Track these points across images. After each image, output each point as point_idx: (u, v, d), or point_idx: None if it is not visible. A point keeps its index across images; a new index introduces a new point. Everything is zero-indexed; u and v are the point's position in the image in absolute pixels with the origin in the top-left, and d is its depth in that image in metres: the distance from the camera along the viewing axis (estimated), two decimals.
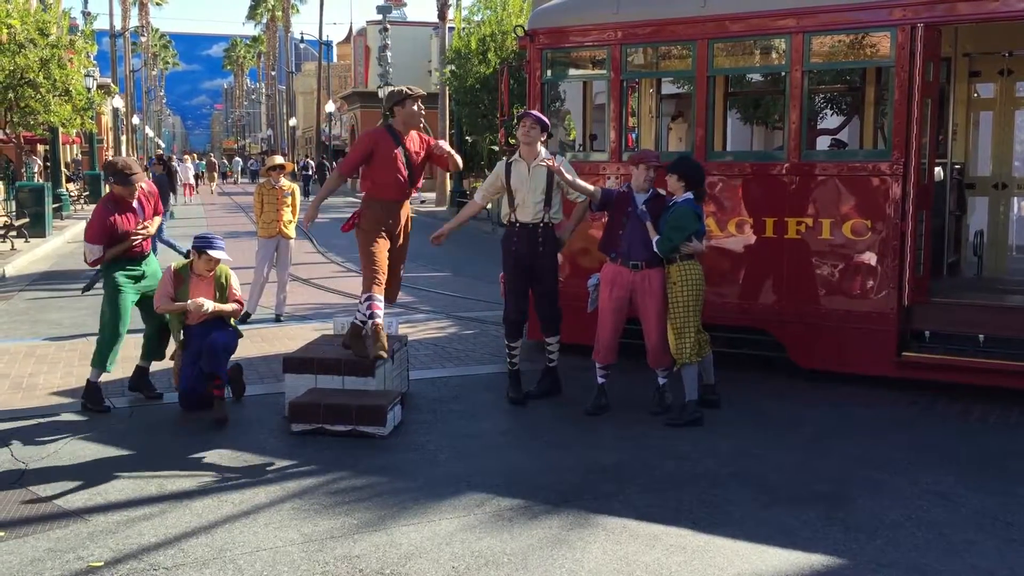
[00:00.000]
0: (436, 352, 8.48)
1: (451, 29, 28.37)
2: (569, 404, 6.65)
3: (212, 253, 6.39)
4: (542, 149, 6.61)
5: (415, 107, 6.46)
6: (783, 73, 7.30)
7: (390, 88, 6.01)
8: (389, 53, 34.93)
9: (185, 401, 6.44)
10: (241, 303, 6.71)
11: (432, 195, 33.22)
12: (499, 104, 9.48)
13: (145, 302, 6.61)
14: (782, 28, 7.17)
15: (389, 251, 6.52)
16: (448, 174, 29.23)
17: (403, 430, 6.02)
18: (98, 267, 6.61)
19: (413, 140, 6.53)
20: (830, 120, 14.71)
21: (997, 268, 8.71)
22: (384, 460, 5.45)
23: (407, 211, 6.76)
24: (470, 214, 7.42)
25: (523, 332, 6.90)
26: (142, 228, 6.64)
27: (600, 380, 6.46)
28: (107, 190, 7.16)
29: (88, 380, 6.47)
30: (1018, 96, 8.82)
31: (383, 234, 6.48)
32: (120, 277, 6.46)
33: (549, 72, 8.39)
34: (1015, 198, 8.83)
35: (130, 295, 6.49)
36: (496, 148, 24.00)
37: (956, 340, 6.82)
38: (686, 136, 10.60)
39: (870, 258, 6.87)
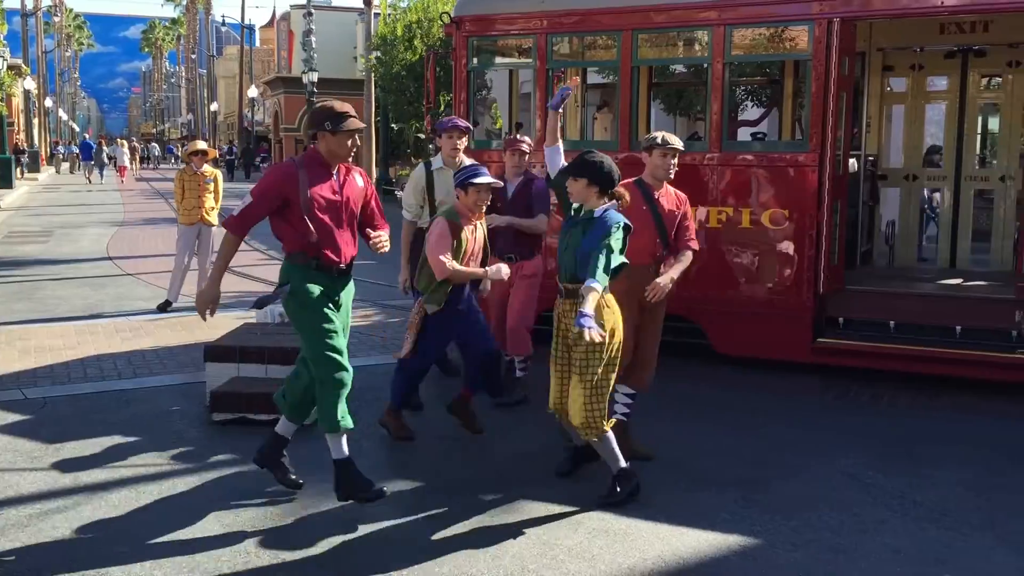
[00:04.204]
0: (360, 340, 8.42)
1: (377, 15, 28.04)
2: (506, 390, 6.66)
3: (480, 181, 5.16)
4: (465, 158, 6.22)
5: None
6: (705, 65, 7.43)
7: (316, 102, 4.76)
8: (313, 38, 34.34)
9: (416, 377, 5.61)
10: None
11: None
12: (425, 92, 9.43)
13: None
14: (704, 20, 7.29)
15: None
16: (374, 160, 29.01)
17: None
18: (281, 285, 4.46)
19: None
20: (751, 112, 14.99)
21: (907, 257, 9.01)
22: (307, 449, 5.39)
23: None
24: (410, 239, 6.42)
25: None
26: (377, 237, 4.59)
27: (518, 373, 6.44)
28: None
29: (334, 460, 4.53)
30: (928, 91, 9.13)
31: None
32: (321, 296, 4.39)
33: (475, 60, 8.38)
34: (925, 189, 9.14)
35: (337, 322, 4.44)
36: (422, 136, 23.86)
37: (869, 327, 7.04)
38: (611, 126, 10.70)
39: (788, 247, 7.04)
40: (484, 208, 5.35)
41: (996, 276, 8.00)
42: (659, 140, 5.16)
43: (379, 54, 25.10)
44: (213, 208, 9.91)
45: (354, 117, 4.39)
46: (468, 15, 8.18)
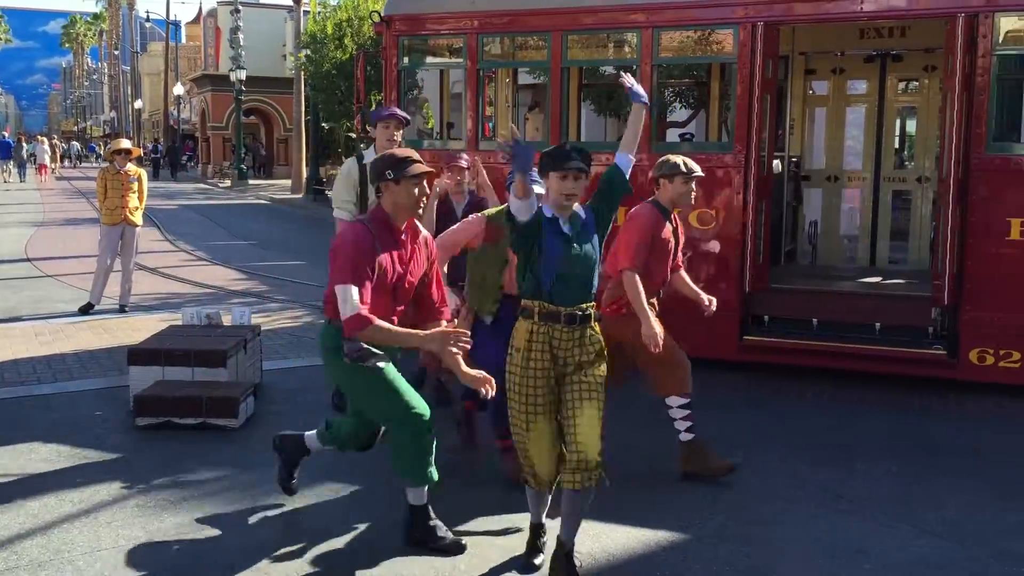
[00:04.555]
0: (291, 342, 8.32)
1: (306, 13, 27.74)
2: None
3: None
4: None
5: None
6: (634, 67, 7.50)
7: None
8: (241, 36, 33.83)
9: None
10: None
11: (287, 182, 32.46)
12: (355, 91, 9.35)
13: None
14: (632, 23, 7.37)
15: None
16: (304, 160, 28.64)
17: (256, 422, 5.88)
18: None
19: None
20: (680, 113, 15.22)
21: (830, 256, 9.25)
22: (236, 453, 5.31)
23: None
24: None
25: None
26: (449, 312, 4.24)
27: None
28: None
29: (410, 505, 4.11)
30: (849, 94, 9.38)
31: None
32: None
33: (406, 59, 8.35)
34: (845, 190, 9.39)
35: (395, 369, 4.05)
36: (353, 135, 23.65)
37: (793, 324, 7.20)
38: (542, 126, 10.76)
39: (715, 246, 7.16)
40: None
41: (914, 275, 8.26)
42: (683, 167, 4.82)
43: (309, 52, 24.83)
44: (137, 208, 9.69)
45: (419, 162, 3.87)
46: (398, 14, 8.14)
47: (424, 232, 4.04)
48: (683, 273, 5.12)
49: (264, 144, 46.15)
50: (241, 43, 33.65)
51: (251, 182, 35.80)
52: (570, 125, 8.58)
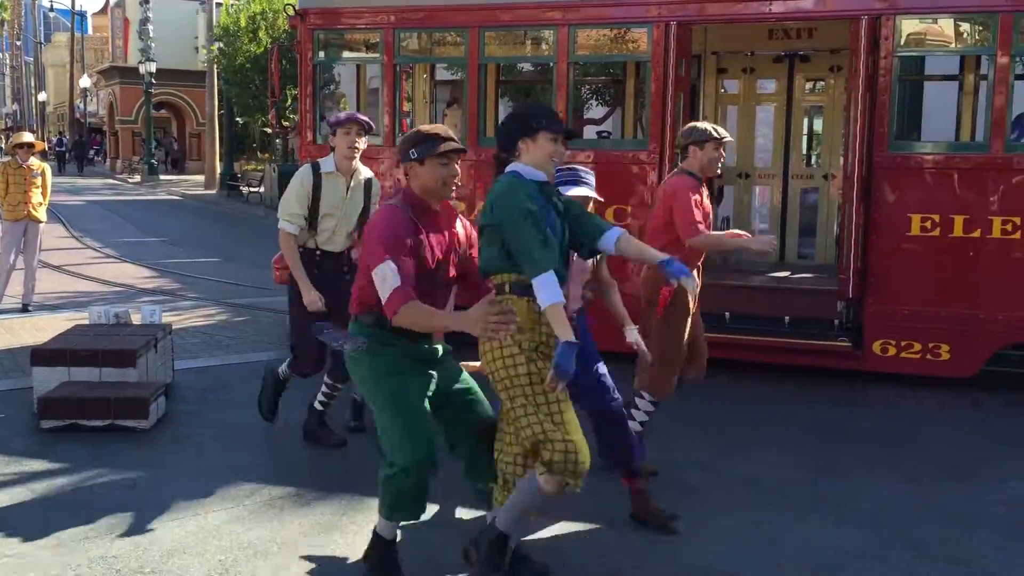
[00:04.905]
0: (204, 341, 8.15)
1: (219, 5, 27.13)
2: (352, 387, 6.58)
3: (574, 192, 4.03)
4: (361, 166, 5.22)
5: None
6: (551, 64, 7.56)
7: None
8: (151, 27, 32.94)
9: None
10: None
11: (201, 178, 31.74)
12: (269, 85, 9.19)
13: (452, 409, 3.65)
14: (549, 20, 7.42)
15: None
16: (217, 155, 28.05)
17: (168, 423, 5.75)
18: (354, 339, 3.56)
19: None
20: (596, 111, 15.36)
21: (742, 251, 9.45)
22: (146, 454, 5.18)
23: None
24: (293, 254, 5.13)
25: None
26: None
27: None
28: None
29: (375, 533, 3.72)
30: (759, 93, 9.60)
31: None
32: (398, 360, 3.51)
33: (322, 54, 8.24)
34: (756, 187, 9.62)
35: (419, 391, 3.52)
36: (268, 130, 23.26)
37: (705, 318, 7.32)
38: (460, 123, 10.76)
39: None
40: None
41: (821, 269, 8.51)
42: (714, 133, 4.68)
43: (222, 45, 24.32)
44: (41, 204, 9.36)
45: (449, 139, 3.47)
46: (313, 7, 8.03)
47: (458, 212, 3.71)
48: None
49: (176, 139, 45.02)
50: (151, 35, 32.76)
51: (162, 177, 34.90)
52: (488, 122, 8.60)
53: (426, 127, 3.53)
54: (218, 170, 27.86)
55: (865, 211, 6.67)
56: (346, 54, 9.11)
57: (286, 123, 12.76)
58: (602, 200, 4.11)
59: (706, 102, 9.30)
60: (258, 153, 29.15)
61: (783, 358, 7.04)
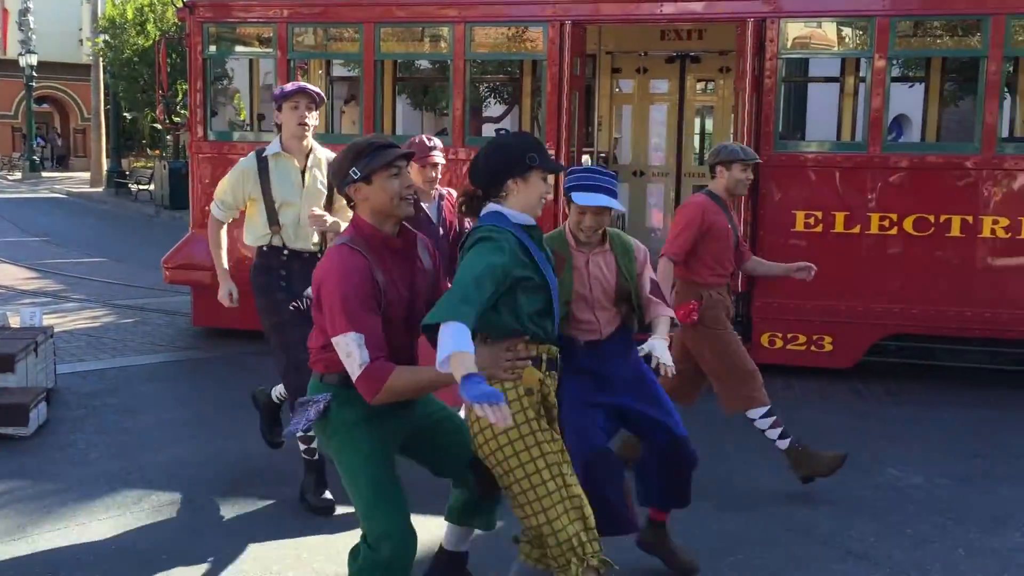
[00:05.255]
0: (90, 343, 7.85)
1: None
2: (243, 389, 6.44)
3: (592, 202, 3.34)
4: (317, 145, 4.51)
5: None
6: (448, 61, 7.55)
7: None
8: (31, 18, 31.52)
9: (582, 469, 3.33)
10: None
11: (86, 175, 30.54)
12: (157, 80, 8.92)
13: (441, 451, 3.18)
14: (445, 17, 7.41)
15: None
16: (104, 151, 27.06)
17: (49, 429, 5.52)
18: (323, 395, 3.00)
19: None
20: (495, 108, 15.43)
21: None
22: (26, 462, 4.97)
23: None
24: (215, 240, 4.68)
25: None
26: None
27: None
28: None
29: None
30: (652, 92, 9.81)
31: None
32: (359, 425, 2.95)
33: (213, 48, 8.04)
34: (650, 184, 9.83)
35: (384, 455, 2.99)
36: (159, 126, 22.54)
37: None
38: (358, 119, 10.66)
39: None
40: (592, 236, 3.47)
41: None
42: (741, 154, 4.63)
43: (107, 38, 23.47)
44: None
45: (390, 145, 2.96)
46: (203, 0, 7.83)
47: (417, 233, 3.10)
48: (756, 258, 5.05)
49: (60, 134, 43.21)
50: (32, 26, 31.35)
51: (45, 174, 33.45)
52: (385, 119, 8.54)
53: (360, 140, 2.99)
54: (105, 167, 26.86)
55: (753, 208, 6.88)
56: (238, 48, 8.92)
57: (177, 119, 12.38)
58: (623, 210, 3.61)
59: (601, 101, 9.46)
60: (148, 150, 28.18)
61: None
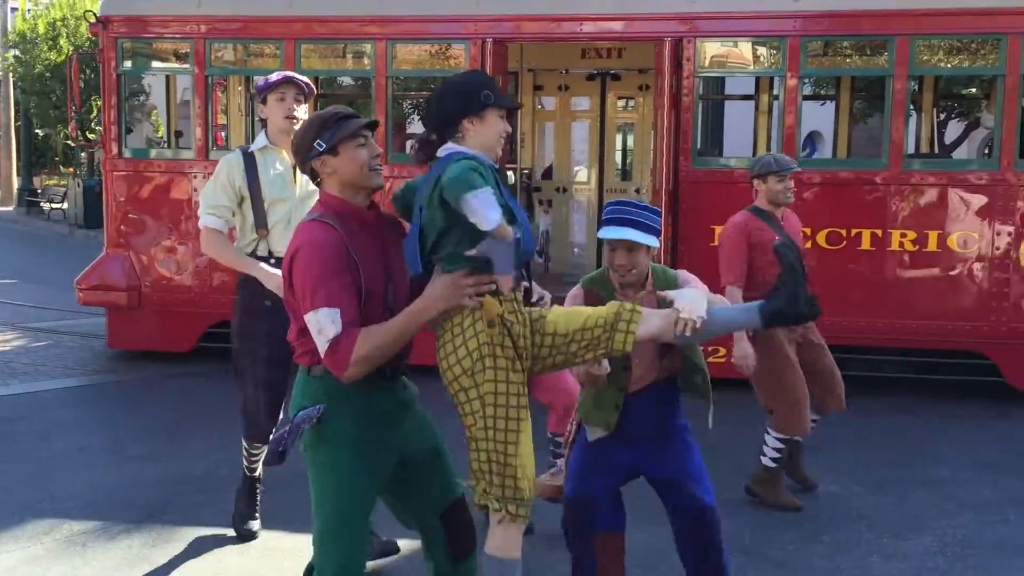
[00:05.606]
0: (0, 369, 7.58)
1: (14, 10, 25.43)
2: (166, 413, 6.30)
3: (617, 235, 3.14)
4: None
5: None
6: (370, 78, 7.52)
7: None
8: None
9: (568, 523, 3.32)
10: None
11: None
12: (69, 96, 8.69)
13: (418, 490, 2.94)
14: (367, 34, 7.38)
15: None
16: (15, 169, 26.23)
17: None
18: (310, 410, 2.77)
19: None
20: (417, 125, 15.41)
21: (561, 264, 9.73)
22: None
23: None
24: (225, 250, 4.08)
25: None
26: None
27: None
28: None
29: None
30: (574, 110, 9.92)
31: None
32: (347, 447, 2.77)
33: (128, 63, 7.87)
34: (574, 200, 9.93)
35: (361, 488, 2.80)
36: (72, 143, 21.93)
37: None
38: None
39: None
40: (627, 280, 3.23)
41: None
42: (773, 164, 4.62)
43: (18, 52, 22.79)
44: None
45: (352, 115, 2.83)
46: (117, 15, 7.66)
47: (387, 212, 2.97)
48: None
49: None
50: None
51: None
52: None
53: (321, 112, 2.85)
54: (16, 185, 25.99)
55: (672, 223, 7.00)
56: (155, 64, 8.75)
57: (91, 135, 12.05)
58: (656, 246, 3.17)
59: (523, 118, 9.52)
60: (60, 167, 27.37)
61: None
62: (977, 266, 6.71)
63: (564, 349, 2.85)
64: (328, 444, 2.74)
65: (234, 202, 3.99)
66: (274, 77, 4.01)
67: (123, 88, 7.89)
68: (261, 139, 4.07)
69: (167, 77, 9.32)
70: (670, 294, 2.94)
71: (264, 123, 4.08)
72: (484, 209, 2.56)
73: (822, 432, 6.16)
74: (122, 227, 7.70)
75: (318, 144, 2.76)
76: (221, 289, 7.47)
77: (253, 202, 3.96)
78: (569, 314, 2.90)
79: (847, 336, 6.88)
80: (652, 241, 3.13)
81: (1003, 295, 6.69)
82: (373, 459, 2.77)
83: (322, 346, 2.65)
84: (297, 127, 3.62)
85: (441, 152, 2.84)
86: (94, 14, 7.79)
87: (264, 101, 4.02)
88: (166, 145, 11.60)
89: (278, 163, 4.02)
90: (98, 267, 7.85)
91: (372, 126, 2.83)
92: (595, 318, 2.83)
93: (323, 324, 2.62)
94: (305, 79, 4.09)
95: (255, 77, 8.05)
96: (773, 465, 4.72)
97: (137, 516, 4.53)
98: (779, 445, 4.68)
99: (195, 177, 7.52)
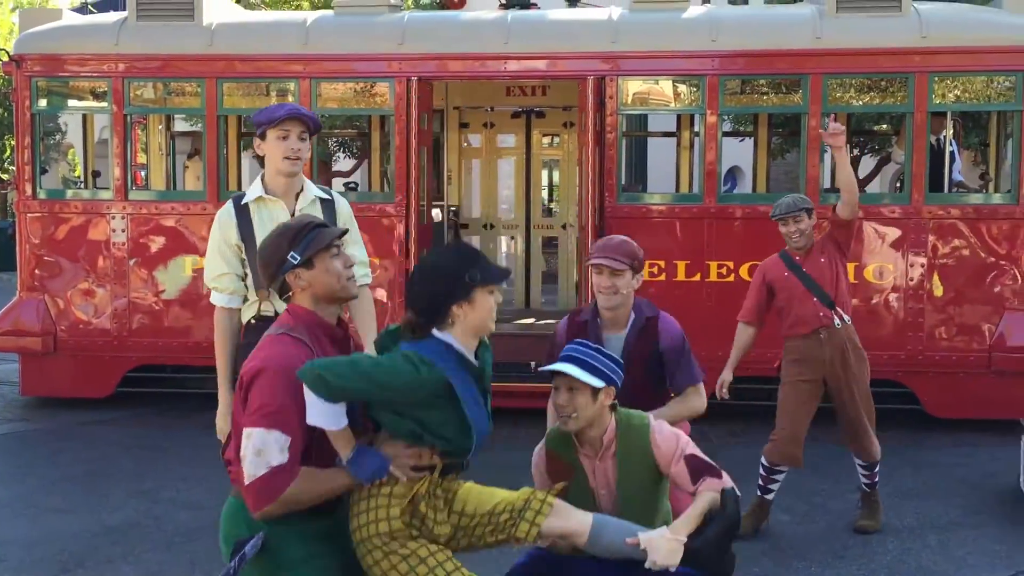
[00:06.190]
0: None
1: None
2: (82, 462, 6.07)
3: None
4: (308, 183, 3.67)
5: None
6: None
7: None
8: None
9: None
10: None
11: None
12: None
13: None
14: (290, 72, 7.36)
15: None
16: None
17: None
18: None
19: None
20: (344, 163, 15.33)
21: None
22: None
23: None
24: (223, 341, 3.57)
25: None
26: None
27: None
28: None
29: None
30: (500, 147, 9.99)
31: None
32: (296, 550, 2.56)
33: (43, 102, 7.70)
34: (501, 237, 9.96)
35: (345, 570, 2.62)
36: None
37: None
38: (202, 175, 10.37)
39: (380, 295, 7.25)
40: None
41: (563, 315, 8.86)
42: (775, 209, 4.81)
43: None
44: None
45: (322, 225, 2.72)
46: (31, 54, 7.49)
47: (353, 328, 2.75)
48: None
49: None
50: None
51: None
52: (230, 175, 8.35)
53: (287, 223, 2.70)
54: None
55: None
56: (71, 103, 8.58)
57: (4, 175, 11.70)
58: (599, 386, 2.90)
59: (450, 155, 9.55)
60: None
61: (531, 403, 7.24)
62: (893, 296, 6.92)
63: (470, 532, 2.69)
64: (285, 571, 2.52)
65: (238, 260, 3.52)
66: (277, 110, 3.48)
67: (38, 128, 7.70)
68: (256, 188, 3.56)
69: (84, 116, 9.13)
70: (643, 537, 2.66)
71: (260, 160, 3.61)
72: (310, 409, 2.42)
73: (751, 464, 6.26)
74: (36, 270, 7.48)
75: (292, 256, 2.58)
76: (141, 332, 7.29)
77: (251, 264, 3.44)
78: (482, 494, 2.75)
79: (769, 367, 6.99)
80: (594, 381, 2.88)
81: (918, 324, 6.89)
82: (337, 561, 2.58)
83: (254, 468, 2.42)
84: (299, 168, 3.50)
85: (429, 339, 2.60)
86: (7, 52, 7.59)
87: (262, 136, 3.51)
88: (83, 185, 11.31)
89: (276, 215, 3.47)
90: (10, 312, 7.59)
91: (343, 234, 2.69)
92: (504, 503, 2.69)
93: (267, 446, 2.42)
94: (312, 114, 3.61)
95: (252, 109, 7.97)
96: (765, 499, 4.96)
97: (53, 570, 4.34)
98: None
99: (113, 218, 7.34)
